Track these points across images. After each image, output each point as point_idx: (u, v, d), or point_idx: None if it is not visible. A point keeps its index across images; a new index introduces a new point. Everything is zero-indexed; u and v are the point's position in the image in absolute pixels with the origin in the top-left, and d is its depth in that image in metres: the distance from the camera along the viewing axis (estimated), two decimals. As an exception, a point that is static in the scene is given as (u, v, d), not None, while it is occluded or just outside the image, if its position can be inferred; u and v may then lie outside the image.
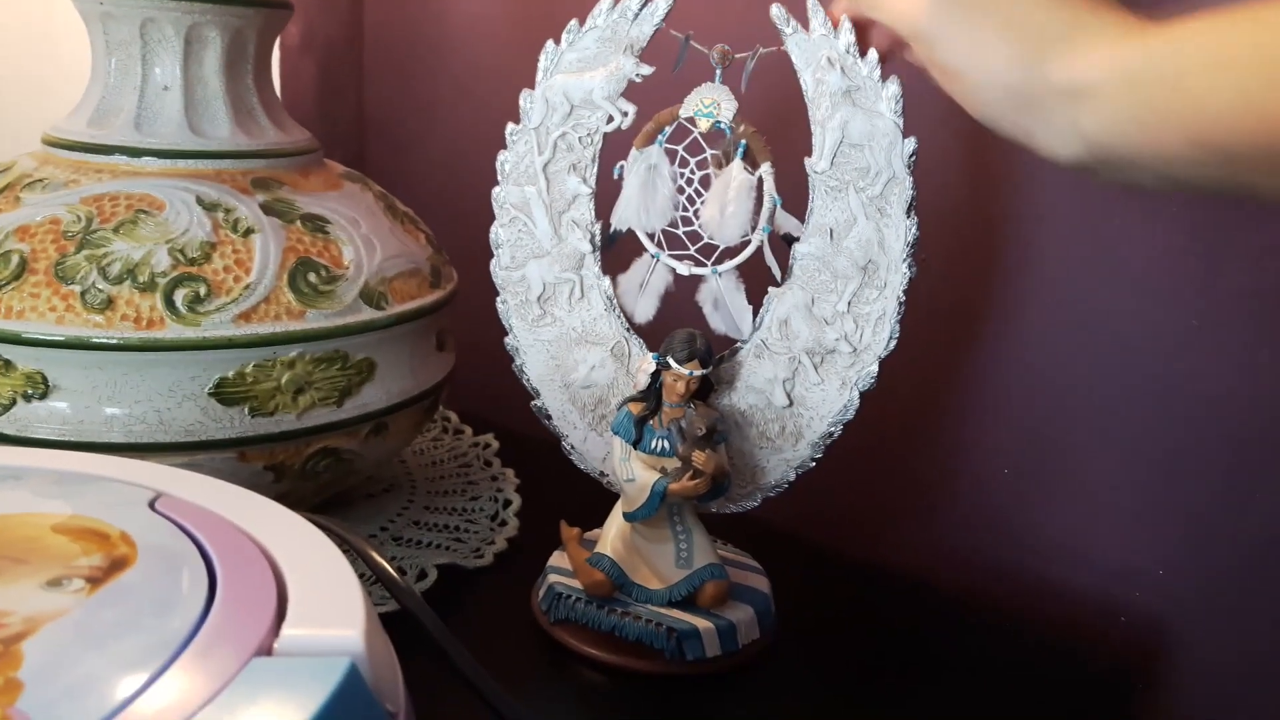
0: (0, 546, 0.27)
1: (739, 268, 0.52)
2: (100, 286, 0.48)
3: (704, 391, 0.52)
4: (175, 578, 0.27)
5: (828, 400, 0.52)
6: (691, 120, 0.50)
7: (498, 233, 0.55)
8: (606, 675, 0.51)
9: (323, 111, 0.90)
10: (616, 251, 0.54)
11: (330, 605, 0.27)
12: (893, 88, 0.47)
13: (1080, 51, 0.36)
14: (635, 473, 0.51)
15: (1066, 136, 0.37)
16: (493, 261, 0.55)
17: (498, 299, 0.56)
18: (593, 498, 0.57)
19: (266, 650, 0.25)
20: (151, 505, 0.32)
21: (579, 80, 0.51)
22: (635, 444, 0.51)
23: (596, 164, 0.52)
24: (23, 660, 0.23)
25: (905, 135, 0.47)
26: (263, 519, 0.32)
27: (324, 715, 0.23)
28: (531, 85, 0.52)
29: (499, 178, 0.54)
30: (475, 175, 0.56)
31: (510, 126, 0.53)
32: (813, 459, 0.53)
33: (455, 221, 0.70)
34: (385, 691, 0.26)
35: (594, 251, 0.53)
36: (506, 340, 0.56)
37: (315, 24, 0.88)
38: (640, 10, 0.49)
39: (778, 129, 0.51)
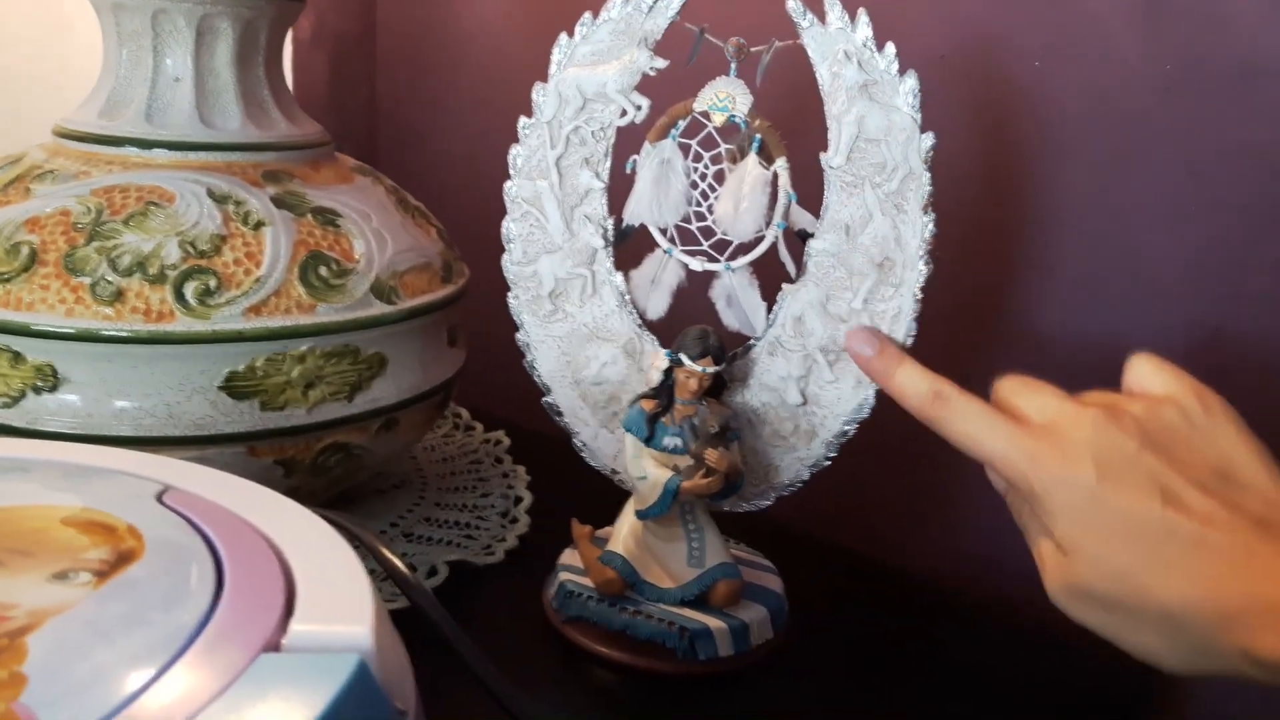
0: (7, 539, 0.27)
1: (753, 264, 0.51)
2: (110, 279, 0.48)
3: (717, 389, 0.52)
4: (182, 572, 0.27)
5: (842, 398, 0.51)
6: (706, 114, 0.50)
7: (509, 227, 0.54)
8: (618, 674, 0.51)
9: (334, 105, 0.89)
10: (629, 247, 0.53)
11: (339, 601, 0.27)
12: (910, 82, 0.46)
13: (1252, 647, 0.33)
14: (647, 470, 0.51)
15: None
16: (504, 256, 0.55)
17: (509, 294, 0.55)
18: (604, 495, 0.56)
19: (274, 646, 0.25)
20: (159, 498, 0.31)
21: (592, 73, 0.50)
22: (647, 441, 0.51)
23: (609, 158, 0.52)
24: (27, 654, 0.22)
25: (923, 130, 0.47)
26: (272, 513, 0.32)
27: (332, 712, 0.22)
28: (544, 78, 0.52)
29: (511, 172, 0.53)
30: (487, 169, 0.56)
31: (522, 120, 0.53)
32: (827, 458, 0.52)
33: (467, 216, 0.70)
34: (395, 688, 0.26)
35: (606, 247, 0.53)
36: (518, 336, 0.56)
37: (327, 16, 0.88)
38: (654, 3, 0.49)
39: (793, 123, 0.51)
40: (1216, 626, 0.34)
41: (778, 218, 0.50)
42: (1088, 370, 0.62)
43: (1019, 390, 0.41)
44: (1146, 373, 0.41)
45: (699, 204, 0.51)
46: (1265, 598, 0.33)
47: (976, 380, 0.66)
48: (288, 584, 0.27)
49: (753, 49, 0.49)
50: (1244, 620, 0.33)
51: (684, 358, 0.50)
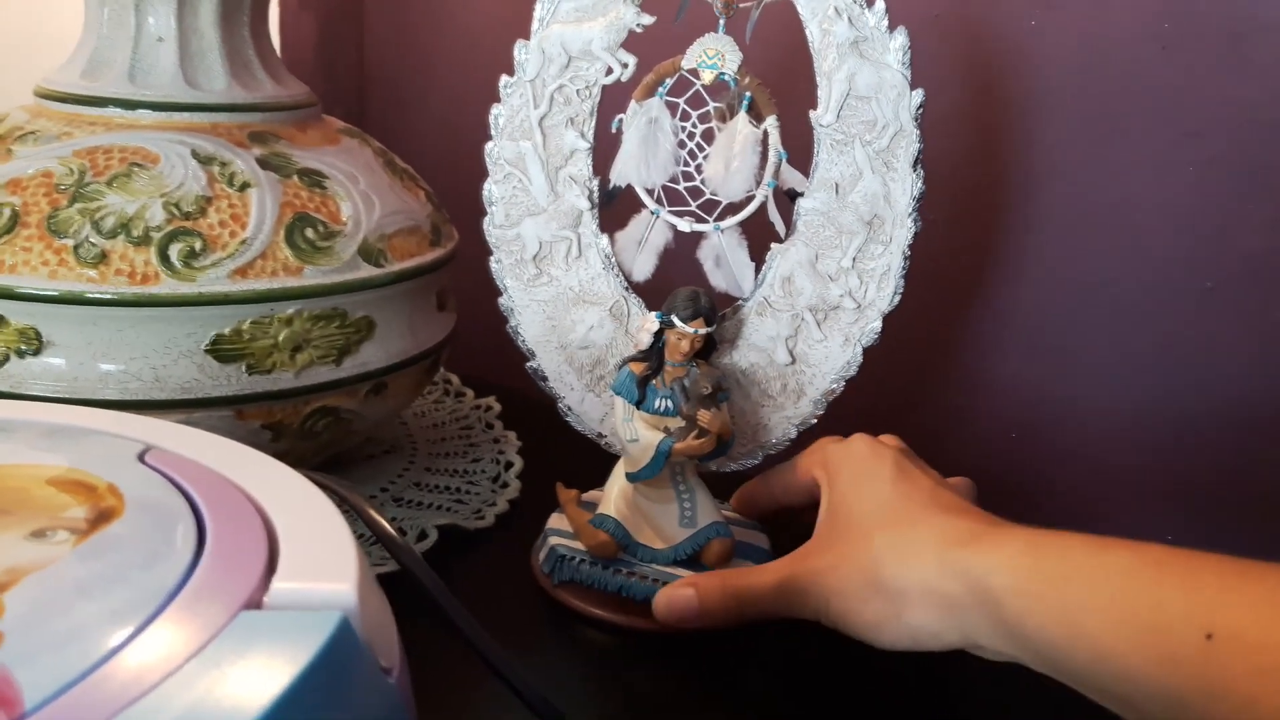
0: (-15, 498, 0.27)
1: (741, 224, 0.51)
2: (94, 240, 0.47)
3: (706, 350, 0.51)
4: (163, 530, 0.27)
5: (830, 357, 0.51)
6: (694, 72, 0.49)
7: (491, 190, 0.54)
8: (609, 635, 0.51)
9: (322, 66, 0.89)
10: (615, 208, 0.53)
11: (322, 559, 0.27)
12: (900, 39, 0.46)
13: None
14: (638, 433, 0.51)
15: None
16: (486, 220, 0.54)
17: (491, 258, 0.55)
18: (594, 459, 0.56)
19: (256, 604, 0.25)
20: (141, 458, 0.31)
21: (577, 30, 0.49)
22: (638, 404, 0.51)
23: (595, 117, 0.51)
24: (4, 611, 0.22)
25: (913, 87, 0.46)
26: (256, 473, 0.31)
27: (314, 669, 0.22)
28: (529, 37, 0.51)
29: (492, 132, 0.53)
30: (477, 132, 0.55)
31: (504, 79, 0.52)
32: (814, 416, 0.52)
33: (455, 178, 0.69)
34: (379, 646, 0.26)
35: (592, 209, 0.53)
36: (501, 301, 0.55)
37: (314, -21, 0.86)
38: (642, -42, 0.48)
39: (783, 81, 0.50)
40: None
41: (768, 177, 0.49)
42: (1083, 326, 0.62)
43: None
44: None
45: (687, 163, 0.50)
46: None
47: (964, 342, 0.66)
48: (270, 542, 0.27)
49: (741, 5, 0.48)
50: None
51: (675, 319, 0.49)
